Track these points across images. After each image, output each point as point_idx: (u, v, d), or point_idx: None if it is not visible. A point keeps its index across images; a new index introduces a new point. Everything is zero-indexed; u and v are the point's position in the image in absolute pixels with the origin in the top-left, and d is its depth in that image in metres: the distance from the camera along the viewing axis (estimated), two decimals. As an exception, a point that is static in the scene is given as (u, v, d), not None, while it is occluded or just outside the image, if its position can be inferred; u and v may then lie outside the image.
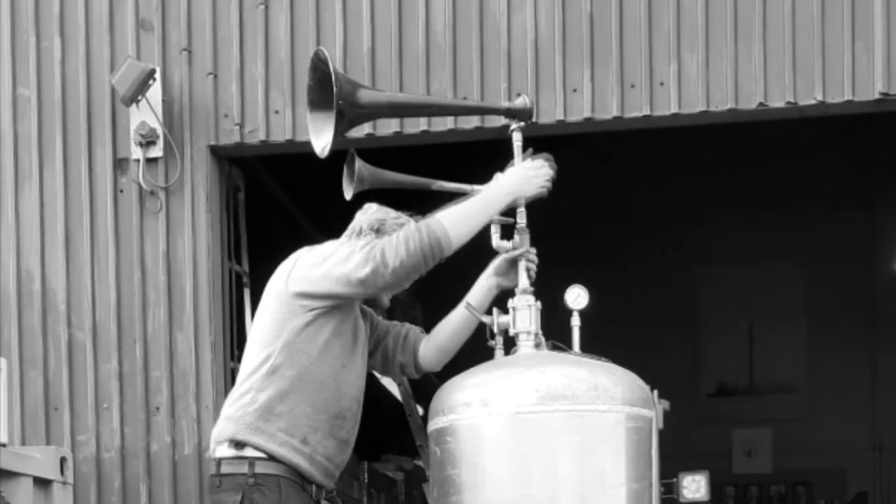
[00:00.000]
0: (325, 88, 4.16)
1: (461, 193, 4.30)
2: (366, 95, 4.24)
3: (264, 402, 4.21)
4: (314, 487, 4.33)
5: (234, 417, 4.25)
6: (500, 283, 4.40)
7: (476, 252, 4.33)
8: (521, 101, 4.30)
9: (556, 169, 4.30)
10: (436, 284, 4.75)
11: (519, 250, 4.29)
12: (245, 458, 4.21)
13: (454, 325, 4.47)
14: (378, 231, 4.37)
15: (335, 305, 4.22)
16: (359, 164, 4.33)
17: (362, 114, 4.25)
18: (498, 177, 4.29)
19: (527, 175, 4.24)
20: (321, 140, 4.21)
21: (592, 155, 12.35)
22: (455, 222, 4.13)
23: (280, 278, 4.27)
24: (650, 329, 14.01)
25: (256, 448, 4.22)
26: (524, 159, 4.28)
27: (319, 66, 4.18)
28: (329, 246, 4.26)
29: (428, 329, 4.60)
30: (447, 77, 6.21)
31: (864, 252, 14.11)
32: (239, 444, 4.23)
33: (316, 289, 4.17)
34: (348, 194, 4.36)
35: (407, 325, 4.62)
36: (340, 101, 4.09)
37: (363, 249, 4.11)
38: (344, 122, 4.14)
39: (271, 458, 4.22)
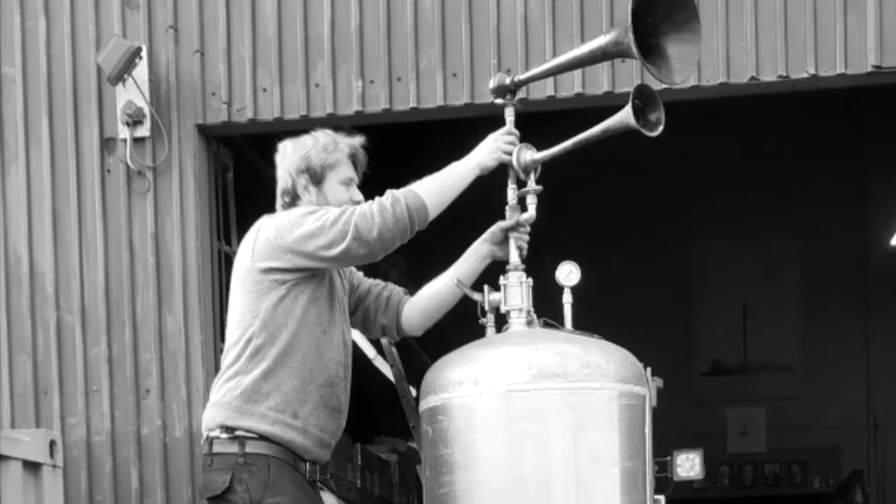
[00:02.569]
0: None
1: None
2: None
3: (250, 385, 4.16)
4: (308, 466, 4.29)
5: (222, 403, 4.21)
6: (493, 251, 4.35)
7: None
8: (499, 79, 4.26)
9: (517, 135, 4.25)
10: (422, 245, 4.69)
11: (513, 220, 4.24)
12: (236, 437, 4.18)
13: (441, 292, 4.41)
14: (308, 170, 4.24)
15: (307, 275, 4.17)
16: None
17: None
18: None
19: (486, 146, 4.19)
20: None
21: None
22: (431, 193, 4.09)
23: (245, 255, 4.19)
24: (644, 307, 13.98)
25: (248, 431, 4.17)
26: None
27: None
28: (292, 215, 4.15)
29: (414, 289, 4.54)
30: (436, 54, 6.18)
31: (859, 230, 14.09)
32: (229, 430, 4.19)
33: (286, 264, 4.10)
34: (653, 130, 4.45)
35: (390, 285, 4.55)
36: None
37: (337, 224, 4.03)
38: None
39: (262, 437, 4.18)
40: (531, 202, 4.25)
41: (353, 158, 4.34)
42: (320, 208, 4.15)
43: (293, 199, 4.28)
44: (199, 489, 4.32)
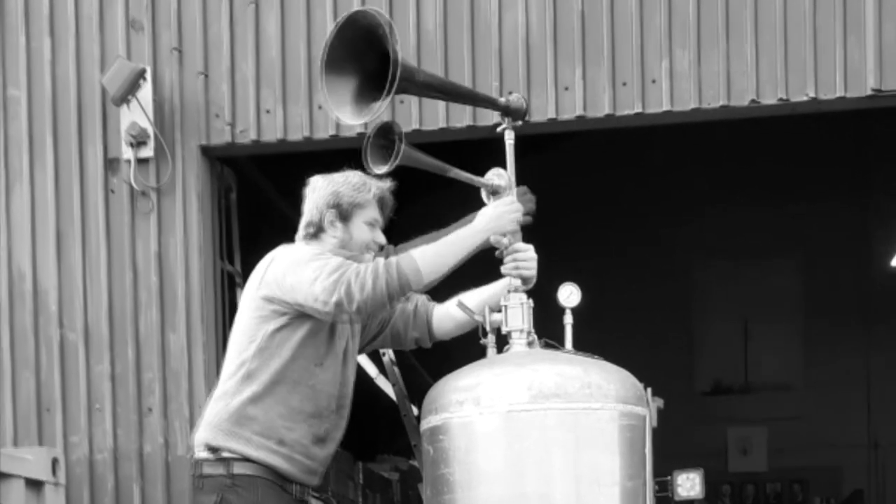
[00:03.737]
0: (351, 51, 4.05)
1: (470, 185, 4.27)
2: (409, 66, 4.12)
3: (237, 407, 4.21)
4: (296, 486, 4.31)
5: (211, 424, 4.25)
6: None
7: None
8: (516, 100, 4.28)
9: (533, 200, 4.31)
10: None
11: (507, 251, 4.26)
12: (223, 459, 4.21)
13: (482, 304, 4.39)
14: (338, 206, 4.27)
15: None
16: (404, 142, 4.24)
17: (401, 87, 4.05)
18: (500, 172, 4.27)
19: (498, 213, 4.19)
20: (345, 109, 4.12)
21: (585, 149, 12.34)
22: (428, 261, 4.10)
23: (254, 282, 4.26)
24: (645, 327, 13.99)
25: (232, 452, 4.21)
26: (516, 195, 4.26)
27: (356, 26, 4.03)
28: (302, 252, 4.20)
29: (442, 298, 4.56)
30: (438, 75, 6.18)
31: (860, 249, 14.10)
32: (215, 450, 4.23)
33: (286, 297, 4.15)
34: (379, 169, 4.19)
35: (413, 297, 4.52)
36: (399, 67, 3.93)
37: (331, 277, 4.04)
38: (394, 88, 3.95)
39: (248, 459, 4.21)
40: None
41: (381, 202, 4.36)
42: (323, 256, 4.17)
43: (317, 232, 4.31)
44: None
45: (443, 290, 4.39)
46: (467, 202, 4.34)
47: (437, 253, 4.14)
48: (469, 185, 4.30)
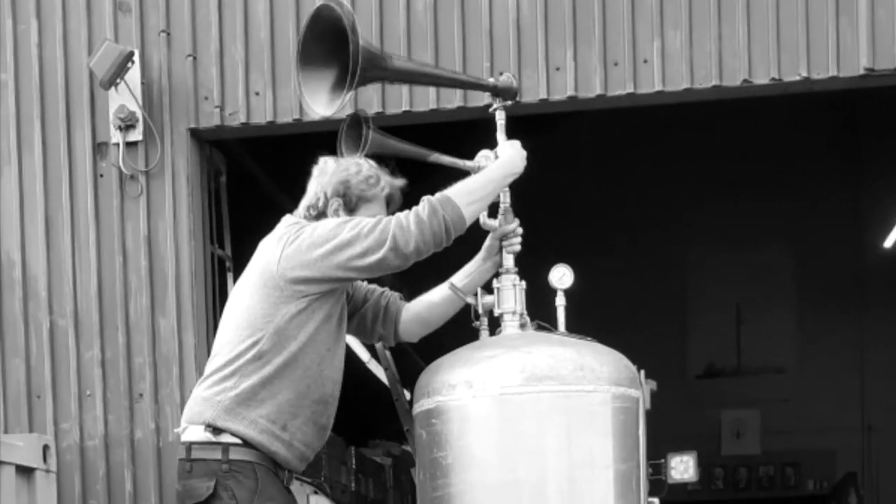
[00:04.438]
0: (324, 43, 4.06)
1: (454, 169, 4.25)
2: (376, 55, 4.13)
3: (247, 388, 4.09)
4: (286, 473, 4.25)
5: (214, 401, 4.12)
6: (494, 262, 4.32)
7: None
8: (506, 79, 4.26)
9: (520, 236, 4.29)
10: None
11: (504, 228, 4.24)
12: (219, 443, 4.10)
13: (441, 302, 4.39)
14: (344, 196, 4.19)
15: (332, 290, 4.11)
16: (371, 128, 4.23)
17: (370, 76, 4.12)
18: (488, 154, 4.24)
19: (519, 154, 4.19)
20: (319, 99, 4.10)
21: (578, 136, 12.35)
22: (469, 202, 4.04)
23: (269, 258, 4.10)
24: (638, 310, 14.01)
25: (234, 434, 4.11)
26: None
27: (324, 18, 4.05)
28: (326, 226, 4.08)
29: (407, 293, 4.53)
30: (429, 57, 6.17)
31: (853, 233, 14.13)
32: (216, 430, 4.12)
33: (316, 273, 4.02)
34: (352, 157, 4.23)
35: (386, 291, 4.49)
36: (359, 57, 3.96)
37: (373, 233, 3.97)
38: (357, 79, 4.00)
39: (247, 443, 4.11)
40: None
41: (389, 198, 4.28)
42: (353, 218, 4.09)
43: (318, 216, 4.21)
44: (178, 495, 4.21)
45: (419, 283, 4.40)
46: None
47: (473, 191, 4.08)
48: (453, 170, 4.28)
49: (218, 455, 4.10)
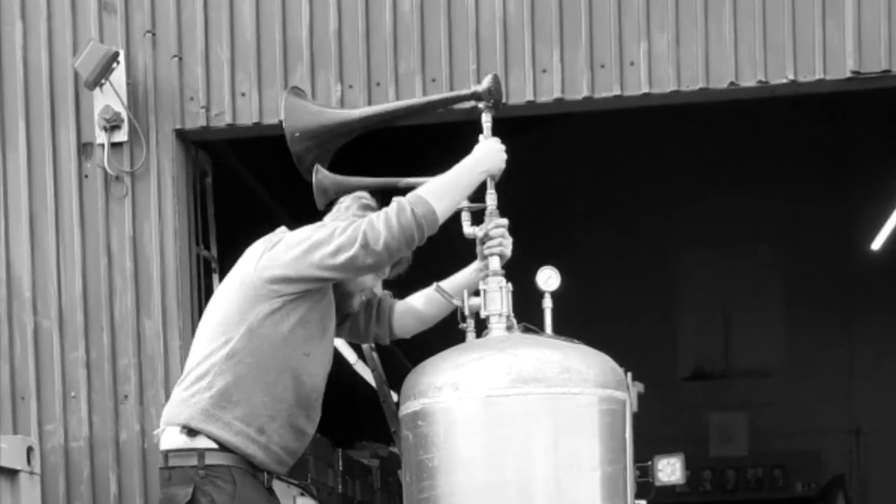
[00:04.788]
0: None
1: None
2: (335, 127, 4.25)
3: (221, 388, 4.08)
4: (265, 474, 4.23)
5: (190, 402, 4.11)
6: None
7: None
8: (487, 82, 4.25)
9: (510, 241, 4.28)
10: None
11: (483, 231, 4.23)
12: (194, 449, 4.09)
13: (435, 301, 4.39)
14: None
15: (307, 291, 4.10)
16: (320, 175, 4.28)
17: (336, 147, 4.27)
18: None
19: (494, 149, 4.19)
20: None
21: (568, 137, 12.35)
22: (440, 198, 4.05)
23: (250, 261, 4.12)
24: (626, 312, 14.02)
25: (209, 437, 4.09)
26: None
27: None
28: (305, 229, 4.12)
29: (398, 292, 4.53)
30: (415, 58, 6.17)
31: (841, 235, 14.14)
32: (191, 432, 4.10)
33: (291, 272, 4.03)
34: (320, 205, 4.30)
35: (377, 293, 4.49)
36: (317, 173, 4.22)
37: (345, 232, 3.99)
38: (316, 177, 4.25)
39: (223, 447, 4.09)
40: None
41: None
42: (329, 223, 4.13)
43: None
44: (160, 503, 4.23)
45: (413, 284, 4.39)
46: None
47: (445, 187, 4.09)
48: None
49: (194, 461, 4.08)
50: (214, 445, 4.09)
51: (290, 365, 4.13)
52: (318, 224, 4.15)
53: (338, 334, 4.49)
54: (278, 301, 4.07)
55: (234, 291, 4.14)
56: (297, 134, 4.29)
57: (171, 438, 4.15)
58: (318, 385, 4.25)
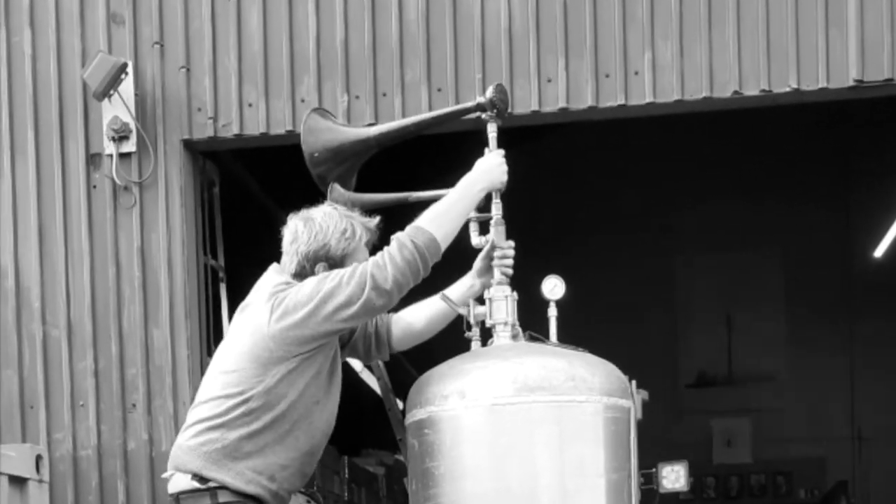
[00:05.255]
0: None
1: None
2: (351, 146, 4.31)
3: (234, 441, 4.11)
4: None
5: (200, 451, 4.14)
6: (484, 283, 4.34)
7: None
8: (491, 93, 4.28)
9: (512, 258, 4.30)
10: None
11: (492, 246, 4.26)
12: (207, 489, 4.12)
13: (432, 313, 4.42)
14: (327, 258, 4.18)
15: (322, 345, 4.12)
16: (335, 193, 4.32)
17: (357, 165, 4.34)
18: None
19: (493, 164, 4.21)
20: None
21: (570, 144, 12.36)
22: (439, 225, 4.07)
23: (260, 321, 4.09)
24: (629, 320, 14.01)
25: (221, 484, 4.12)
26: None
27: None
28: (308, 284, 4.08)
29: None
30: (421, 68, 6.19)
31: (843, 241, 14.15)
32: (203, 479, 4.13)
33: (307, 332, 4.03)
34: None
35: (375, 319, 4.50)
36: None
37: (353, 279, 3.98)
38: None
39: (235, 491, 4.14)
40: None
41: (370, 243, 4.30)
42: (331, 272, 4.09)
43: (328, 262, 4.20)
44: None
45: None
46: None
47: (443, 214, 4.10)
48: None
49: (207, 501, 4.12)
50: (226, 488, 4.13)
51: (303, 416, 4.16)
52: (320, 277, 4.10)
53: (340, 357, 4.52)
54: (295, 361, 4.08)
55: (246, 344, 4.13)
56: (315, 154, 4.33)
57: (181, 482, 4.19)
58: (326, 430, 4.29)
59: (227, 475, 4.11)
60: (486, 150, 4.27)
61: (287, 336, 4.05)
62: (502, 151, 4.26)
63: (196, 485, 4.13)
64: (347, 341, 4.45)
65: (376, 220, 4.32)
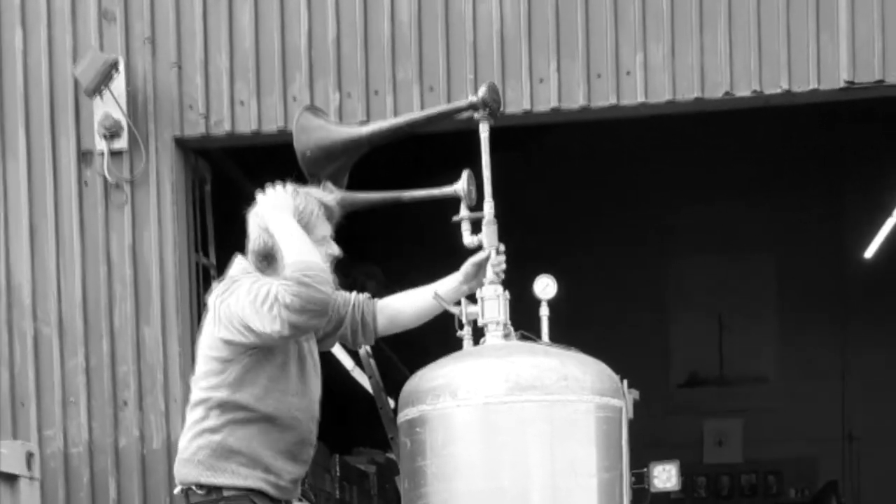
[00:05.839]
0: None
1: (432, 200, 4.29)
2: (343, 144, 4.28)
3: (219, 442, 4.16)
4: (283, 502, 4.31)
5: (194, 461, 4.19)
6: (470, 287, 4.34)
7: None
8: (483, 91, 4.29)
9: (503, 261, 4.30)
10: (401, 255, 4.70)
11: (485, 253, 4.26)
12: (209, 495, 4.18)
13: (422, 308, 4.43)
14: (267, 258, 4.18)
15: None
16: (328, 189, 4.33)
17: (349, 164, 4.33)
18: (471, 173, 4.29)
19: (272, 198, 4.14)
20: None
21: (562, 146, 12.36)
22: (292, 251, 4.01)
23: (210, 319, 4.16)
24: (621, 320, 14.02)
25: (220, 485, 4.17)
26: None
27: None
28: (240, 288, 4.06)
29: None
30: (413, 67, 6.20)
31: (835, 242, 14.16)
32: (204, 487, 4.18)
33: (241, 340, 4.06)
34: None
35: (355, 300, 4.49)
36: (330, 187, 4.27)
37: (263, 306, 3.93)
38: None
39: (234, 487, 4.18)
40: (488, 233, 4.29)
41: (328, 214, 4.27)
42: (257, 281, 4.05)
43: (270, 261, 4.19)
44: None
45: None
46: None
47: (286, 242, 4.04)
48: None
49: (214, 496, 4.17)
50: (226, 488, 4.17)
51: (279, 410, 4.18)
52: (247, 286, 4.05)
53: (328, 345, 4.53)
54: (246, 358, 4.11)
55: (206, 345, 4.20)
56: (307, 153, 4.33)
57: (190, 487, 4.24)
58: (310, 419, 4.30)
59: (224, 476, 4.15)
60: (482, 150, 4.27)
61: (228, 337, 4.08)
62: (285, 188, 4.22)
63: (200, 493, 4.18)
64: (333, 331, 4.46)
65: (332, 195, 4.31)
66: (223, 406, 4.15)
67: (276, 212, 4.10)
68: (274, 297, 3.90)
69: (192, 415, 4.24)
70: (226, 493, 4.16)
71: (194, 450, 4.19)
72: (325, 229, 4.23)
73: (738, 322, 14.77)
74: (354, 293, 4.54)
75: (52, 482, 6.37)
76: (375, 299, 4.51)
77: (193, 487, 4.20)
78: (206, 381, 4.19)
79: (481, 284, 4.28)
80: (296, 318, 3.89)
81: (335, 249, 4.27)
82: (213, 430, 4.16)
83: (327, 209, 4.25)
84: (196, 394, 4.23)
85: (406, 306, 4.48)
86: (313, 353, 4.36)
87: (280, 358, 4.16)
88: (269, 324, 3.92)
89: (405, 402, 4.13)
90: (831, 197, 14.14)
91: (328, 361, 4.89)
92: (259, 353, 4.11)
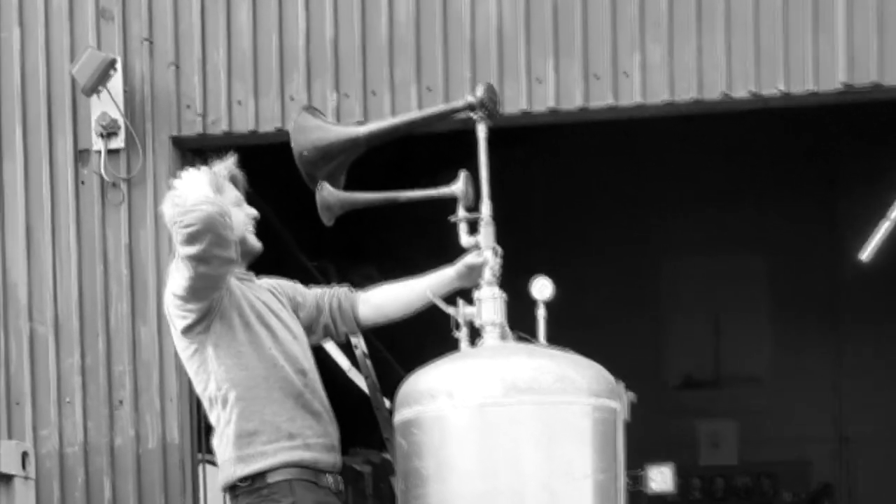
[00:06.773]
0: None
1: (429, 201, 4.30)
2: (340, 144, 4.31)
3: (235, 431, 4.22)
4: (329, 478, 4.33)
5: (225, 461, 4.27)
6: (462, 285, 4.38)
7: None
8: (480, 91, 4.29)
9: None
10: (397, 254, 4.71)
11: (481, 258, 4.27)
12: (250, 485, 4.23)
13: (408, 298, 4.48)
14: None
15: (213, 309, 4.18)
16: (324, 192, 4.34)
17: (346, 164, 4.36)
18: (468, 174, 4.30)
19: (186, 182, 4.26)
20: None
21: (558, 146, 12.37)
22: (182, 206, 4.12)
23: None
24: (615, 321, 14.02)
25: (257, 473, 4.22)
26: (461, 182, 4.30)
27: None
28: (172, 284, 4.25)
29: None
30: (411, 67, 6.19)
31: (829, 244, 14.18)
32: (244, 479, 4.23)
33: (187, 319, 4.18)
34: (325, 221, 4.37)
35: (334, 292, 4.56)
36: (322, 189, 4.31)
37: (176, 269, 4.13)
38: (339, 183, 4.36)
39: (274, 468, 4.22)
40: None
41: (234, 180, 4.42)
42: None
43: None
44: None
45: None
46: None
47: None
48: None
49: (258, 484, 4.23)
50: (270, 468, 4.22)
51: (267, 368, 4.24)
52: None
53: (315, 339, 4.56)
54: (210, 337, 4.21)
55: (181, 352, 4.36)
56: (305, 153, 4.34)
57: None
58: (300, 367, 4.33)
59: (257, 463, 4.20)
60: (479, 151, 4.28)
61: (182, 324, 4.21)
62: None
63: (243, 486, 4.23)
64: (316, 322, 4.52)
65: (230, 160, 4.49)
66: (219, 397, 4.21)
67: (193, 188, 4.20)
68: (176, 252, 4.08)
69: (212, 421, 4.33)
70: (269, 480, 4.20)
71: (222, 451, 4.27)
72: (233, 193, 4.37)
73: (732, 324, 14.79)
74: (334, 285, 4.59)
75: (48, 482, 6.36)
76: (358, 291, 4.56)
77: (237, 483, 4.23)
78: (198, 386, 4.29)
79: (476, 284, 4.29)
80: (196, 248, 3.97)
81: (252, 210, 4.43)
82: (226, 423, 4.23)
83: (233, 177, 4.41)
84: (203, 403, 4.33)
85: (393, 297, 4.52)
86: (283, 320, 4.38)
87: (237, 321, 4.21)
88: (184, 274, 4.05)
89: (401, 402, 4.13)
90: (825, 199, 14.17)
91: (325, 362, 4.90)
92: (216, 326, 4.17)
